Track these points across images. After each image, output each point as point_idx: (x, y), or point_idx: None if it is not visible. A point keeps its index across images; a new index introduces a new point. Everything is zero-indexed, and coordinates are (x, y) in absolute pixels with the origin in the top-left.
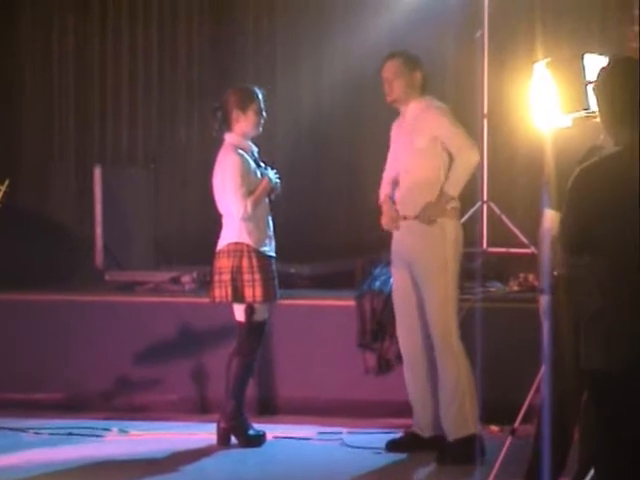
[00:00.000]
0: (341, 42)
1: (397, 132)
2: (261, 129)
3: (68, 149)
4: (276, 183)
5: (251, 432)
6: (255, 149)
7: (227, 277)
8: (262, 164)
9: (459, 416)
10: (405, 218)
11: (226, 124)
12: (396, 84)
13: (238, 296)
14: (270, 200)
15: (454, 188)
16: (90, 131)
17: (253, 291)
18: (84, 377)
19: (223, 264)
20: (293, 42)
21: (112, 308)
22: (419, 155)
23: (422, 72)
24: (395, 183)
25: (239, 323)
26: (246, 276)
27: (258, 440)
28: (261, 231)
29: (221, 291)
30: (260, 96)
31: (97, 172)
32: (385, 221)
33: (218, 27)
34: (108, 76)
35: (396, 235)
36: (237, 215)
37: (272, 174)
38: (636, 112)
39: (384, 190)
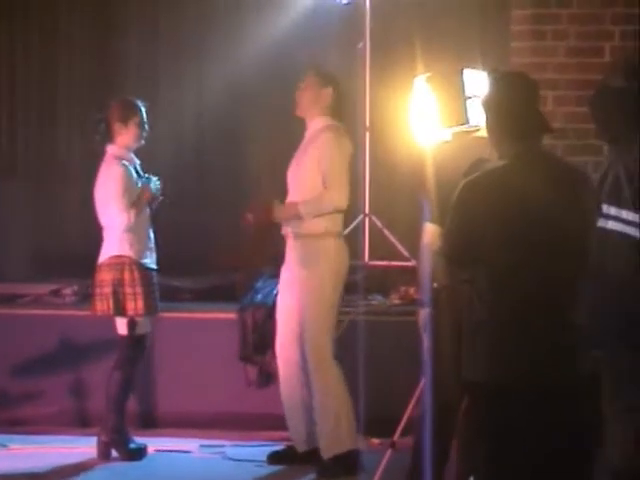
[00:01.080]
0: (223, 52)
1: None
2: (143, 141)
3: None
4: (157, 190)
5: (132, 445)
6: (137, 161)
7: (108, 290)
8: (144, 176)
9: (334, 434)
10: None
11: (108, 136)
12: (304, 97)
13: (119, 309)
14: (151, 209)
15: (306, 211)
16: None
17: (135, 304)
18: None
19: (104, 277)
20: (175, 51)
21: None
22: (304, 172)
23: (334, 91)
24: None
25: (121, 336)
26: (128, 289)
27: (139, 453)
28: (142, 244)
29: (102, 304)
30: (142, 109)
31: None
32: None
33: (101, 38)
34: None
35: (287, 251)
36: (120, 226)
37: (153, 182)
38: (521, 126)
39: None
